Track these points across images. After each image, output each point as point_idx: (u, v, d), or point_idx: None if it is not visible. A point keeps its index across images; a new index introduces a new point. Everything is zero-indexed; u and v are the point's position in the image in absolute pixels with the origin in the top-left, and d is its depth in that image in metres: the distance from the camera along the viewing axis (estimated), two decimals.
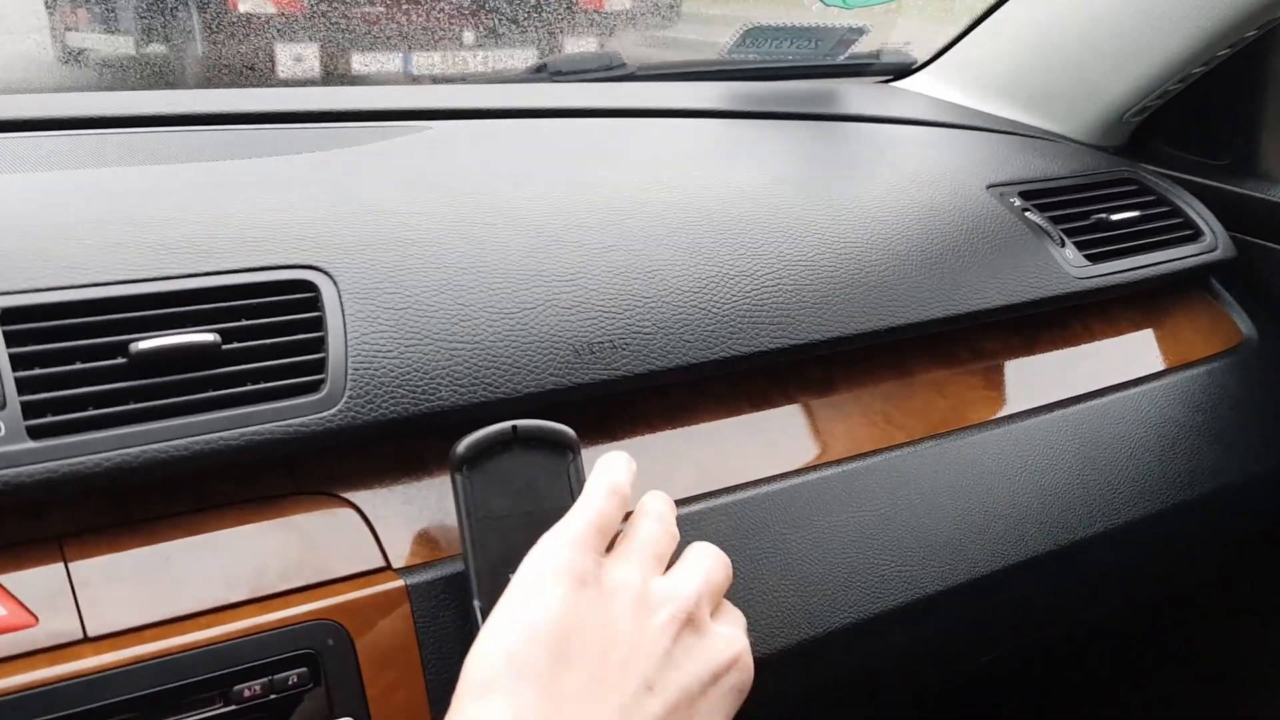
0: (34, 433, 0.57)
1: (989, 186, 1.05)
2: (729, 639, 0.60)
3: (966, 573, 0.85)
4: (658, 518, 0.64)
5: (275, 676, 0.58)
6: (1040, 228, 1.03)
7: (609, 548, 0.61)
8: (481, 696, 0.52)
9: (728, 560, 0.64)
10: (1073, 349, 1.04)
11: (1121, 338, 1.08)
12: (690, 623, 0.58)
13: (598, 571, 0.58)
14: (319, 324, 0.66)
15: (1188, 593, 1.22)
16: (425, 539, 0.67)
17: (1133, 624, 1.23)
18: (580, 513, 0.61)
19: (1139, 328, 1.10)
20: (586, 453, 0.68)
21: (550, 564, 0.58)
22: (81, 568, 0.58)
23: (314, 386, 0.64)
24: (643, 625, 0.57)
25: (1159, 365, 1.08)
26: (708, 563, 0.63)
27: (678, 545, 0.63)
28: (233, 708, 0.57)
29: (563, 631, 0.55)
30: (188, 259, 0.66)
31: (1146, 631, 1.27)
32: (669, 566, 0.62)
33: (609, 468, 0.64)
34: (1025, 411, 0.95)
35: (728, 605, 0.64)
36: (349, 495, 0.67)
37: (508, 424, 0.65)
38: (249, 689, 0.58)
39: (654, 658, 0.56)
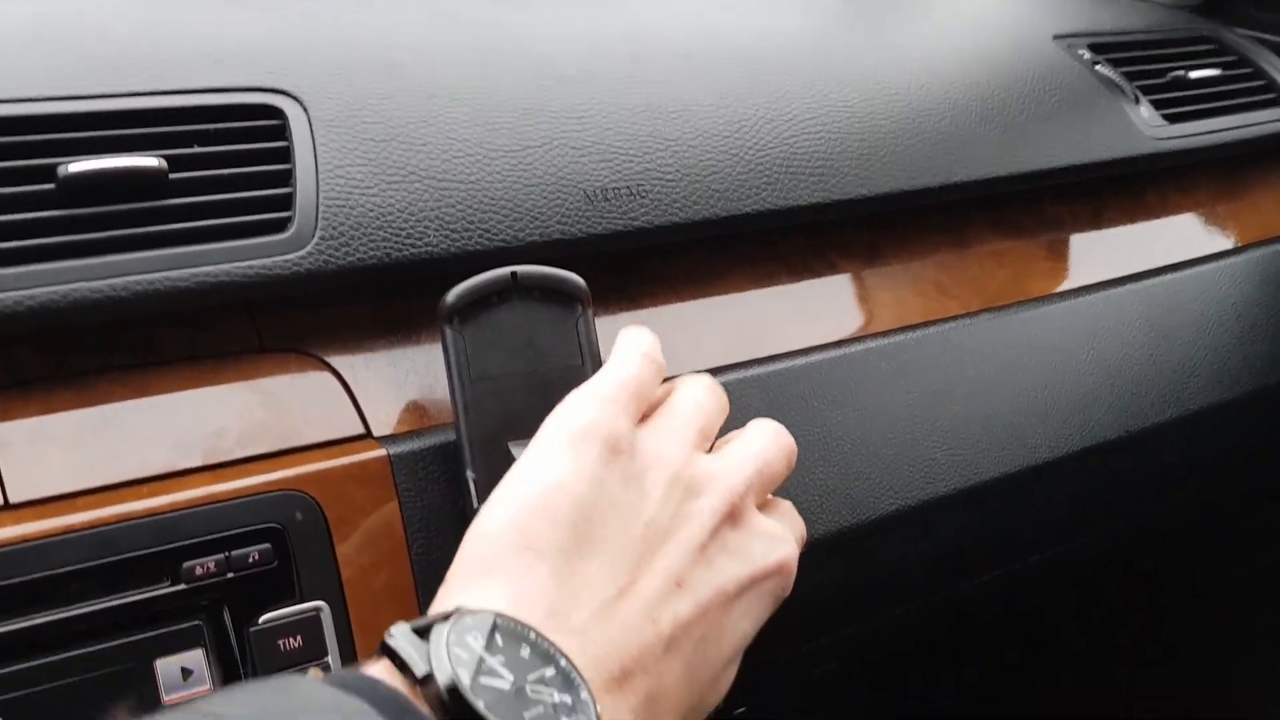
0: None
1: (1056, 37, 0.94)
2: (774, 541, 0.51)
3: (1025, 459, 0.76)
4: (707, 388, 0.55)
5: (233, 553, 0.50)
6: (1112, 83, 0.92)
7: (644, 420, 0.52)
8: (481, 574, 0.44)
9: (792, 445, 0.55)
10: (1145, 220, 0.94)
11: (1198, 209, 0.98)
12: (732, 515, 0.49)
13: (632, 439, 0.49)
14: (286, 155, 0.57)
15: (1259, 490, 1.12)
16: (411, 405, 0.59)
17: (1194, 523, 1.14)
18: (612, 372, 0.51)
19: (1217, 199, 1.00)
20: (601, 322, 0.59)
21: (576, 423, 0.48)
22: (3, 427, 0.50)
23: (279, 225, 0.56)
24: (679, 510, 0.48)
25: (1238, 240, 0.97)
26: (763, 445, 0.54)
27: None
28: (182, 586, 0.49)
29: (585, 505, 0.46)
30: (135, 77, 0.57)
31: (1209, 534, 1.18)
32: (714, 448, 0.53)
33: (637, 335, 0.55)
34: (1092, 285, 0.85)
35: (781, 503, 0.55)
36: (322, 354, 0.58)
37: (506, 270, 0.56)
38: (201, 566, 0.50)
39: (688, 550, 0.47)
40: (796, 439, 0.66)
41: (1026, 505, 0.78)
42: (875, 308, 0.76)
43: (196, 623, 0.50)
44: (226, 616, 0.50)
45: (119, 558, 0.48)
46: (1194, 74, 0.99)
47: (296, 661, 0.51)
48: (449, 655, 0.38)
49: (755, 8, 0.83)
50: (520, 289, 0.56)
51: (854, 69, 0.79)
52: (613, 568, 0.45)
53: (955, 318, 0.78)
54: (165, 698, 0.48)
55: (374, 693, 0.37)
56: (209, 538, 0.50)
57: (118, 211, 0.52)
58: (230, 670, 0.50)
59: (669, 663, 0.45)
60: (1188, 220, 0.97)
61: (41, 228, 0.51)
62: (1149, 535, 1.08)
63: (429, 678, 0.38)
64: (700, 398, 0.54)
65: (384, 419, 0.58)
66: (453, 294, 0.55)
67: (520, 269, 0.56)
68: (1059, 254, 0.88)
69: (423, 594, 0.55)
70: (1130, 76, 0.95)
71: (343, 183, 0.57)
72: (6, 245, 0.50)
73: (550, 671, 0.40)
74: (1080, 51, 0.94)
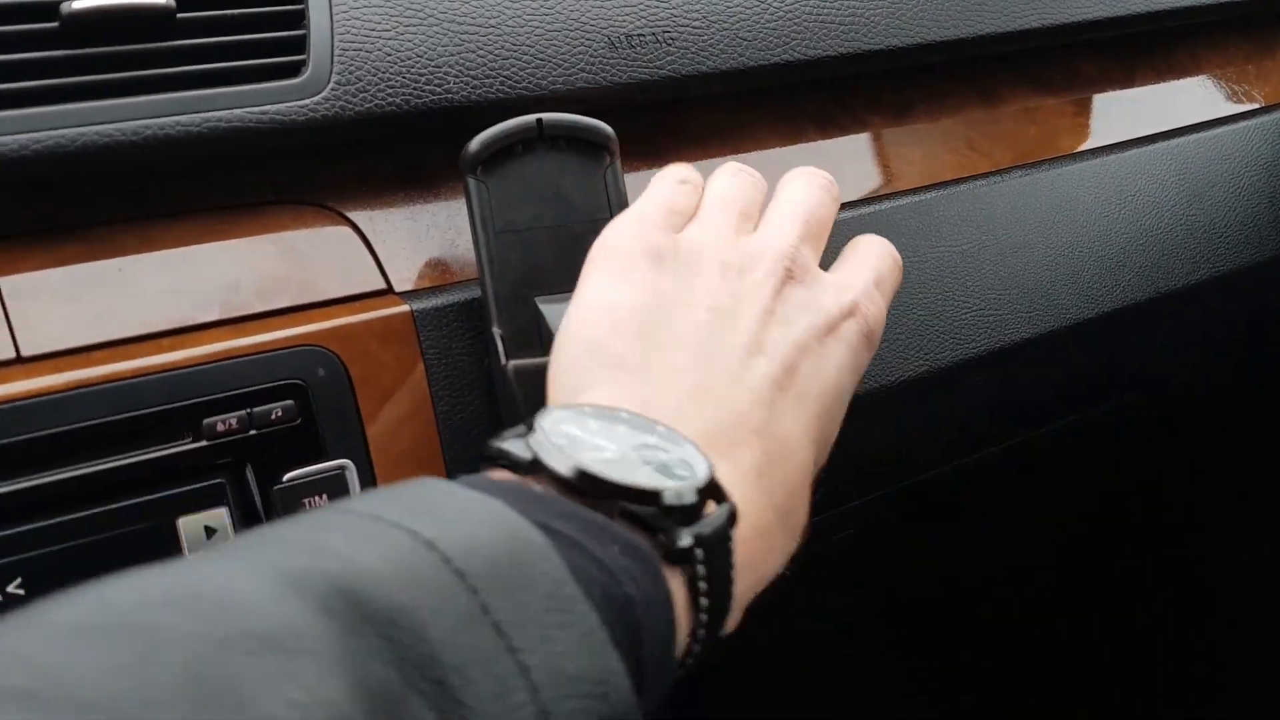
0: None
1: None
2: (840, 285, 0.51)
3: (1056, 319, 0.74)
4: (733, 172, 0.54)
5: (255, 409, 0.49)
6: None
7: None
8: (576, 397, 0.44)
9: (828, 185, 0.55)
10: (1177, 79, 0.91)
11: (1230, 68, 0.95)
12: (791, 275, 0.49)
13: (674, 245, 0.49)
14: None
15: None
16: (434, 260, 0.57)
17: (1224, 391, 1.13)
18: (645, 197, 0.52)
19: (1249, 58, 0.96)
20: (626, 177, 0.57)
21: (617, 245, 0.48)
22: (12, 279, 0.48)
23: (293, 69, 0.53)
24: (736, 288, 0.48)
25: (1270, 99, 0.94)
26: (803, 196, 0.53)
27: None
28: (203, 443, 0.48)
29: (648, 313, 0.46)
30: None
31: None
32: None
33: (670, 168, 0.54)
34: (1124, 143, 0.83)
35: (853, 246, 0.56)
36: (341, 208, 0.56)
37: (531, 117, 0.53)
38: (223, 422, 0.48)
39: (755, 318, 0.47)
40: None
41: (1057, 367, 0.77)
42: (904, 165, 0.74)
43: (219, 480, 0.48)
44: (250, 474, 0.49)
45: (138, 413, 0.47)
46: None
47: None
48: (549, 443, 0.38)
49: None
50: (546, 137, 0.54)
51: None
52: (693, 357, 0.45)
53: (986, 175, 0.75)
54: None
55: (492, 486, 0.37)
56: (230, 394, 0.48)
57: (123, 52, 0.49)
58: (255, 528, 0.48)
59: (777, 420, 0.45)
60: (1220, 79, 0.94)
61: (44, 68, 0.48)
62: (1180, 403, 1.07)
63: (536, 463, 0.38)
64: (729, 185, 0.53)
65: (405, 275, 0.56)
66: (475, 142, 0.52)
67: (546, 116, 0.53)
68: (1091, 112, 0.85)
69: (448, 452, 0.53)
70: None
71: (358, 24, 0.54)
72: (8, 86, 0.47)
73: (652, 439, 0.40)
74: None
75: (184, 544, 0.47)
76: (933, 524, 1.07)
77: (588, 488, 0.37)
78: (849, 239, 0.67)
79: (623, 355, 0.45)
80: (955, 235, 0.71)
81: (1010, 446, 0.83)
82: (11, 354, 0.46)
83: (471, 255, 0.55)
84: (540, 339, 0.52)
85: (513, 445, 0.39)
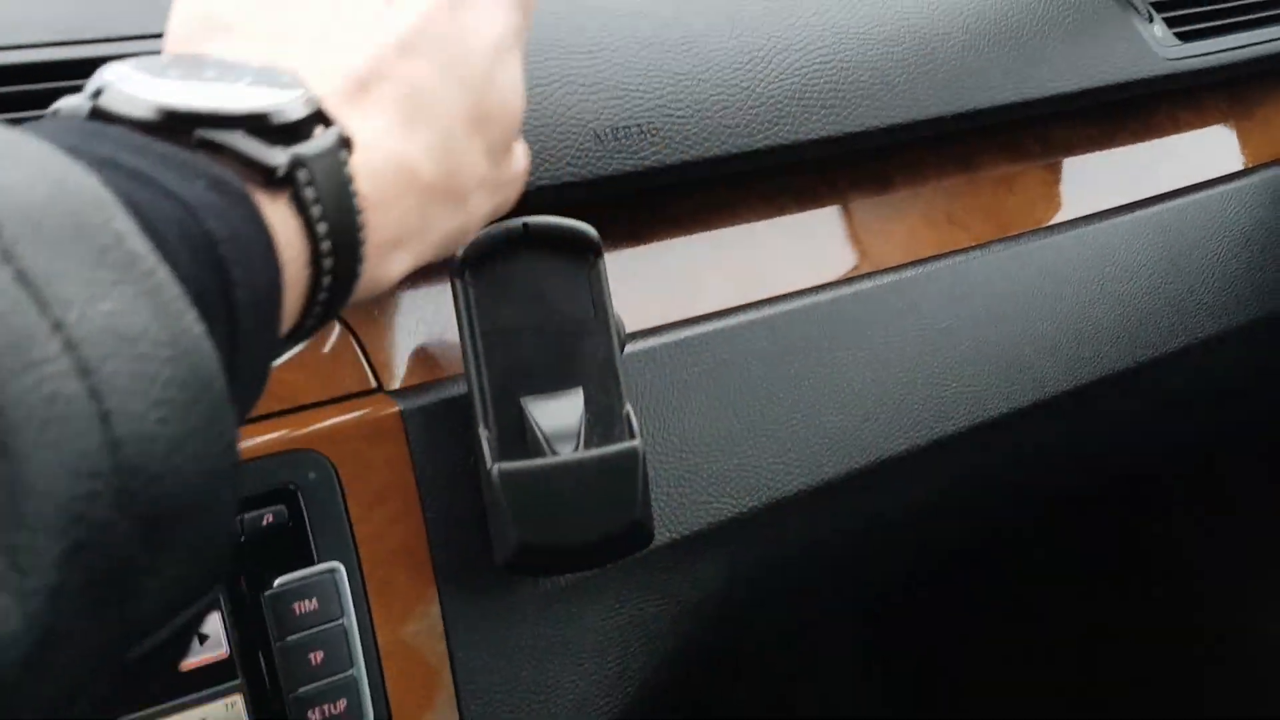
0: None
1: None
2: None
3: (1035, 392, 0.76)
4: None
5: (246, 517, 0.50)
6: None
7: None
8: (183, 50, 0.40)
9: None
10: (1156, 140, 0.92)
11: (1209, 129, 0.96)
12: None
13: None
14: None
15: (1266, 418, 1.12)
16: (422, 356, 0.58)
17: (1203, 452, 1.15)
18: None
19: (1228, 118, 0.98)
20: (610, 258, 0.58)
21: None
22: None
23: None
24: None
25: (1250, 161, 0.96)
26: None
27: None
28: None
29: None
30: (134, 17, 0.55)
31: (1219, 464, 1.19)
32: None
33: None
34: (1101, 212, 0.84)
35: None
36: None
37: (518, 220, 0.54)
38: None
39: None
40: (804, 380, 0.67)
41: (1037, 440, 0.78)
42: (885, 241, 0.75)
43: None
44: (241, 579, 0.50)
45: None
46: None
47: (312, 624, 0.51)
48: (118, 87, 0.33)
49: None
50: (532, 240, 0.55)
51: None
52: (316, 13, 0.41)
53: (965, 250, 0.77)
54: (182, 663, 0.48)
55: (43, 127, 0.31)
56: None
57: None
58: (246, 634, 0.49)
59: (411, 62, 0.41)
60: (1198, 140, 0.95)
61: None
62: (1157, 467, 1.09)
63: (98, 110, 0.32)
64: None
65: (394, 370, 0.57)
66: (464, 246, 0.54)
67: (532, 220, 0.55)
68: (1070, 178, 0.87)
69: (436, 553, 0.54)
70: None
71: None
72: None
73: (247, 78, 0.35)
74: None
75: None
76: (920, 603, 1.08)
77: (167, 123, 0.32)
78: (833, 320, 0.68)
79: (233, 16, 0.40)
80: (935, 312, 0.73)
81: (996, 516, 0.85)
82: None
83: (459, 351, 0.56)
84: (527, 440, 0.53)
85: (73, 104, 0.33)
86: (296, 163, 0.34)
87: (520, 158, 0.50)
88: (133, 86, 0.33)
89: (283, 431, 0.52)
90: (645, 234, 0.68)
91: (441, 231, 0.44)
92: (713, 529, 0.62)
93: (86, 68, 0.50)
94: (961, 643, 1.30)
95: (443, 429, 0.55)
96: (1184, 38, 0.92)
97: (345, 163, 0.36)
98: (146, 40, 0.54)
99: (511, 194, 0.50)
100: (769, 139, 0.68)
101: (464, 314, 0.54)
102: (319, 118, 0.36)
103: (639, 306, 0.64)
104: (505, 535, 0.52)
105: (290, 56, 0.39)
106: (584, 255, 0.56)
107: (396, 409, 0.54)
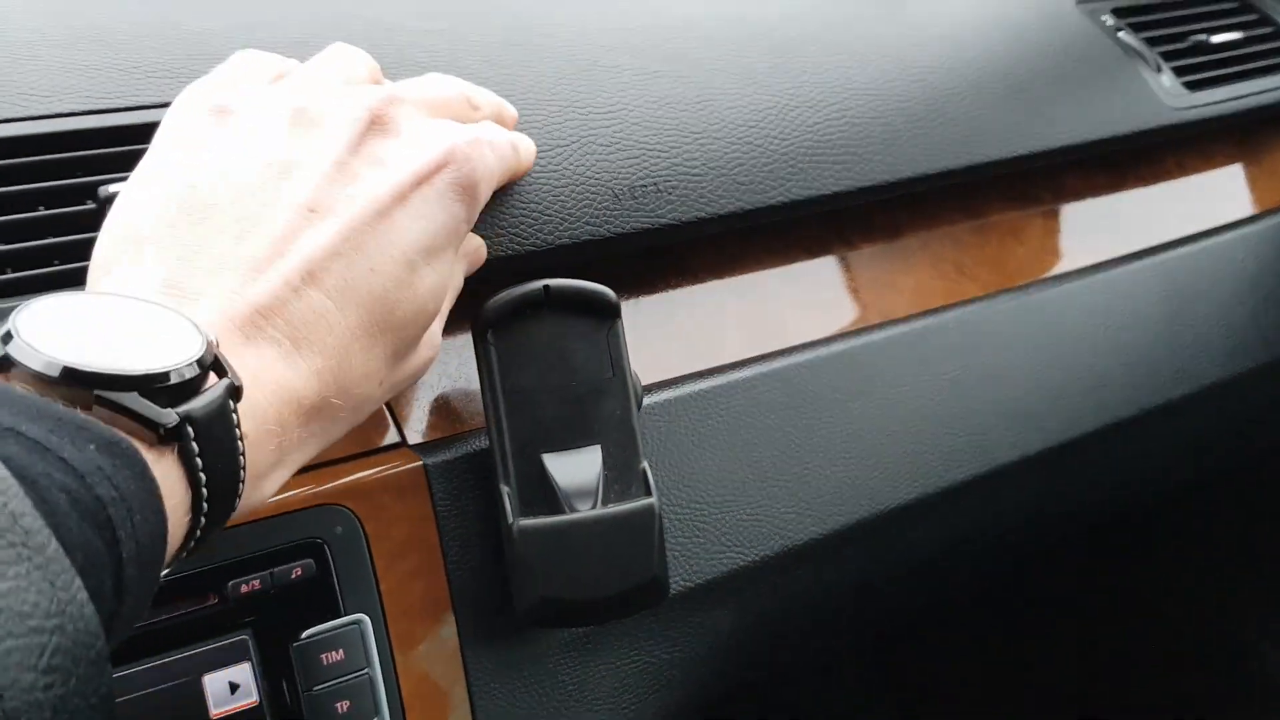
0: None
1: (1079, 2, 0.93)
2: (436, 133, 0.47)
3: (1042, 441, 0.77)
4: (340, 46, 0.51)
5: (276, 569, 0.52)
6: (1134, 50, 0.92)
7: None
8: (96, 280, 0.42)
9: (480, 90, 0.55)
10: (1164, 187, 0.94)
11: (1216, 174, 0.98)
12: (377, 124, 0.45)
13: (244, 99, 0.45)
14: None
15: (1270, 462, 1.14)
16: (445, 412, 0.60)
17: (1206, 494, 1.16)
18: (226, 63, 0.49)
19: (1235, 165, 0.99)
20: (626, 306, 0.60)
21: (180, 106, 0.45)
22: None
23: None
24: (304, 141, 0.44)
25: (1256, 207, 0.97)
26: (431, 77, 0.53)
27: None
28: (228, 605, 0.50)
29: (190, 173, 0.43)
30: (166, 85, 0.57)
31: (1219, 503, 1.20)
32: None
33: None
34: (1110, 261, 0.86)
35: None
36: None
37: (539, 283, 0.56)
38: (246, 584, 0.51)
39: (318, 175, 0.43)
40: (816, 431, 0.68)
41: (1043, 487, 0.80)
42: (895, 292, 0.77)
43: (242, 637, 0.51)
44: (271, 630, 0.52)
45: (166, 578, 0.49)
46: (1216, 38, 0.98)
47: (339, 674, 0.52)
48: (24, 338, 0.35)
49: None
50: (553, 302, 0.57)
51: (877, 48, 0.78)
52: (235, 222, 0.42)
53: (973, 300, 0.78)
54: (213, 711, 0.50)
55: None
56: (252, 555, 0.51)
57: None
58: (275, 683, 0.51)
59: (313, 289, 0.42)
60: (1206, 187, 0.97)
61: (85, 249, 0.51)
62: (1162, 509, 1.10)
63: (6, 360, 0.35)
64: (324, 56, 0.50)
65: (418, 424, 0.59)
66: (487, 307, 0.55)
67: (553, 283, 0.56)
68: (1078, 227, 0.88)
69: (458, 604, 0.56)
70: (1152, 42, 0.94)
71: None
72: (53, 270, 0.50)
73: (148, 324, 0.37)
74: (1103, 18, 0.93)
75: (209, 701, 0.50)
76: (928, 641, 1.09)
77: (66, 380, 0.34)
78: (844, 371, 0.70)
79: (147, 231, 0.41)
80: (944, 363, 0.74)
81: (1003, 558, 0.86)
82: None
83: (481, 405, 0.58)
84: (547, 496, 0.55)
85: None
86: (185, 420, 0.36)
87: (426, 347, 0.50)
88: (39, 339, 0.35)
89: (311, 486, 0.53)
90: (661, 285, 0.70)
91: (324, 442, 0.45)
92: (725, 578, 0.64)
93: (114, 135, 0.53)
94: (970, 673, 1.31)
95: (464, 484, 0.57)
96: (1192, 87, 0.94)
97: (232, 411, 0.38)
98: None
99: (409, 381, 0.50)
100: (781, 194, 0.69)
101: (487, 373, 0.56)
102: (211, 366, 0.38)
103: (655, 356, 0.66)
104: (525, 589, 0.53)
105: (195, 278, 0.40)
106: (603, 316, 0.57)
107: (420, 463, 0.56)
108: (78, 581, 0.31)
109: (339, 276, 0.42)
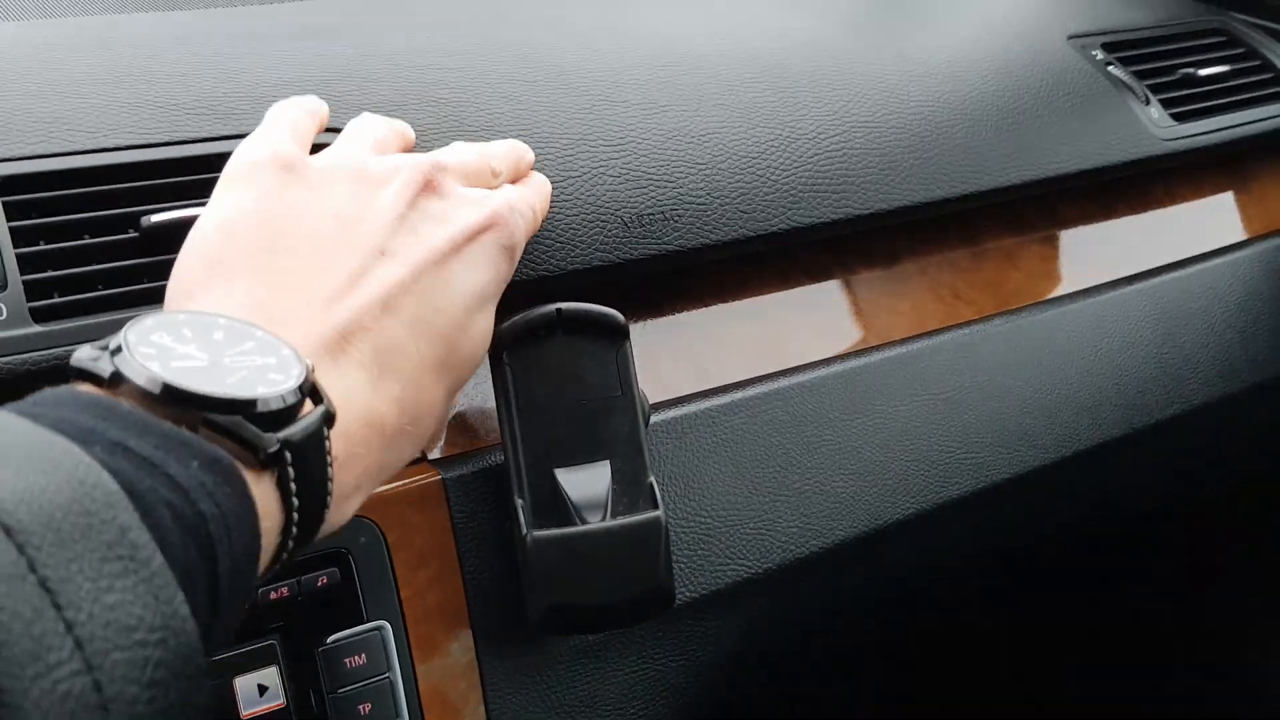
0: (38, 315, 0.52)
1: (1070, 37, 0.96)
2: (482, 202, 0.53)
3: (1036, 459, 0.80)
4: (369, 116, 0.57)
5: (303, 577, 0.55)
6: (1123, 83, 0.95)
7: None
8: (183, 304, 0.45)
9: (496, 148, 0.59)
10: (1153, 214, 0.97)
11: (1205, 202, 1.01)
12: (429, 186, 0.51)
13: (305, 159, 0.50)
14: None
15: (1257, 480, 1.16)
16: (463, 428, 0.63)
17: (1193, 513, 1.19)
18: (272, 120, 0.53)
19: (1223, 193, 1.03)
20: (632, 330, 0.63)
21: (246, 158, 0.49)
22: None
23: None
24: (368, 198, 0.49)
25: (1244, 233, 1.00)
26: (457, 146, 0.58)
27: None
28: (257, 611, 0.53)
29: (269, 220, 0.47)
30: (205, 121, 0.60)
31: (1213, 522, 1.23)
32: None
33: (294, 99, 0.57)
34: (1102, 285, 0.89)
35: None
36: None
37: (551, 307, 0.59)
38: (275, 591, 0.54)
39: (384, 225, 0.48)
40: (816, 448, 0.71)
41: (1038, 504, 0.83)
42: (893, 315, 0.80)
43: (271, 642, 0.54)
44: (297, 635, 0.55)
45: None
46: (1203, 71, 1.01)
47: (362, 677, 0.55)
48: (135, 354, 0.37)
49: (778, 22, 0.86)
50: (564, 324, 0.60)
51: (874, 83, 0.81)
52: (311, 260, 0.46)
53: (969, 323, 0.81)
54: (243, 712, 0.53)
55: (65, 414, 0.35)
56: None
57: None
58: (302, 686, 0.54)
59: (391, 318, 0.46)
60: (1195, 214, 1.00)
61: (127, 275, 0.54)
62: (1153, 526, 1.13)
63: (117, 376, 0.36)
64: (365, 123, 0.56)
65: (437, 440, 0.62)
66: (503, 330, 0.58)
67: (565, 306, 0.59)
68: (1071, 253, 0.91)
69: (474, 611, 0.59)
70: (1141, 75, 0.98)
71: None
72: (97, 294, 0.53)
73: (249, 344, 0.40)
74: (1093, 52, 0.96)
75: (239, 702, 0.53)
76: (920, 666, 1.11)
77: (173, 400, 0.36)
78: (844, 390, 0.73)
79: (235, 260, 0.45)
80: (941, 382, 0.77)
81: (991, 582, 0.88)
82: None
83: (496, 422, 0.61)
84: (559, 509, 0.58)
85: (95, 360, 0.37)
86: (284, 446, 0.38)
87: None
88: (146, 357, 0.37)
89: None
90: (668, 308, 0.73)
91: (394, 468, 0.49)
92: (730, 589, 0.67)
93: (155, 169, 0.56)
94: (971, 683, 1.33)
95: (481, 497, 0.60)
96: (1180, 118, 0.97)
97: (326, 438, 0.41)
98: (218, 141, 0.59)
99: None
100: (782, 223, 0.73)
101: (502, 392, 0.59)
102: (308, 392, 0.40)
103: (663, 376, 0.69)
104: (537, 596, 0.56)
105: (282, 301, 0.44)
106: (612, 338, 0.60)
107: (439, 477, 0.59)
108: (180, 596, 0.32)
109: (411, 311, 0.47)
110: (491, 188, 0.56)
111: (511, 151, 0.61)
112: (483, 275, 0.51)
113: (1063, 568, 1.10)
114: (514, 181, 0.60)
